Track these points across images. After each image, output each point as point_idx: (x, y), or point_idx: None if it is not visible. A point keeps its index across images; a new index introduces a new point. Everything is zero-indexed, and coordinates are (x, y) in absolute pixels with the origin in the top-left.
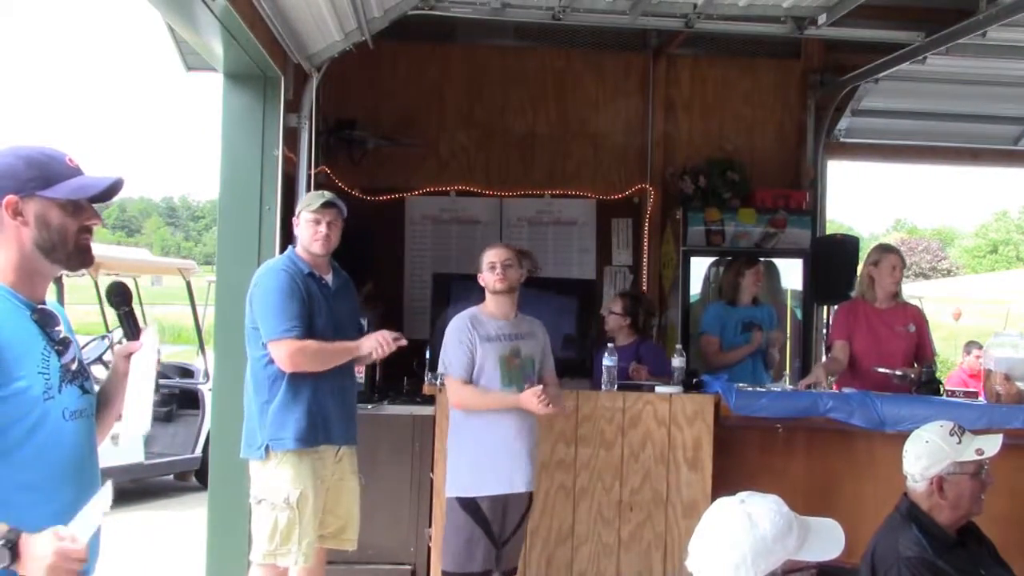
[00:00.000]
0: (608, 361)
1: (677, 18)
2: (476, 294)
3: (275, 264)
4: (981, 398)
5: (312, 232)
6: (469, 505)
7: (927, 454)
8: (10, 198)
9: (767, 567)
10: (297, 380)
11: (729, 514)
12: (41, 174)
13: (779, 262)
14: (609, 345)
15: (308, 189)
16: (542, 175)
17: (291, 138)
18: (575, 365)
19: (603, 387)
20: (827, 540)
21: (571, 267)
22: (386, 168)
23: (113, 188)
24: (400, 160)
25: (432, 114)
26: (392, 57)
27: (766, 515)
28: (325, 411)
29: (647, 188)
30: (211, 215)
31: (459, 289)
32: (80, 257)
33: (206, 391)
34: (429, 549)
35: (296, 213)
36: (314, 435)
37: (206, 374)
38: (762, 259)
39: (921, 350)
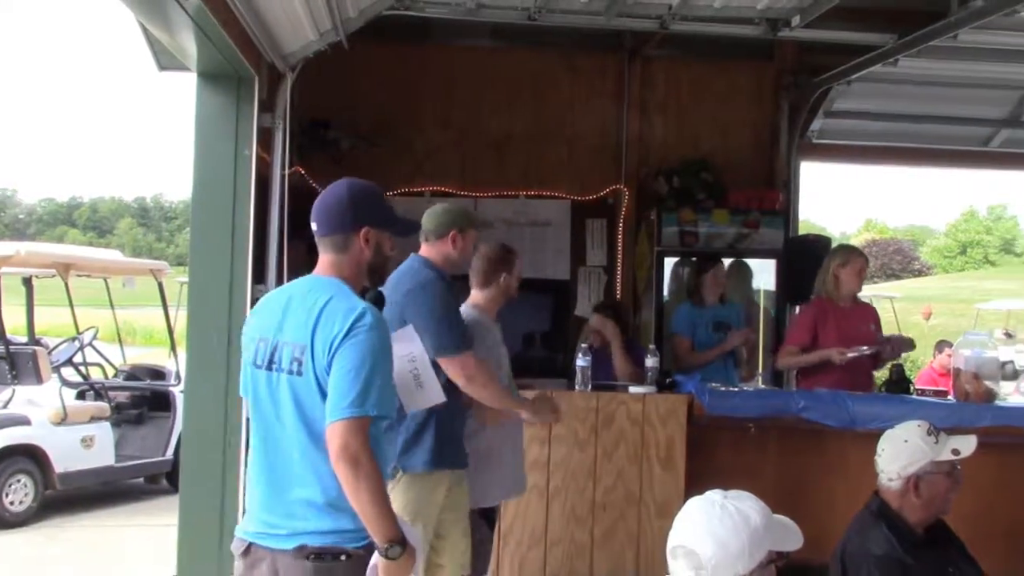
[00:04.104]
0: (581, 362)
1: (652, 19)
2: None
3: (432, 274)
4: (951, 397)
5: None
6: (488, 514)
7: (907, 453)
8: (367, 229)
9: (759, 556)
10: None
11: (720, 509)
12: (385, 209)
13: (752, 262)
14: (583, 346)
15: (282, 190)
16: (517, 176)
17: (265, 138)
18: (549, 365)
19: (577, 387)
20: (791, 533)
21: (546, 268)
22: (361, 169)
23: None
24: (375, 161)
25: (407, 115)
26: (367, 58)
27: (753, 508)
28: None
29: (622, 189)
30: (184, 216)
31: None
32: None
33: (177, 393)
34: None
35: (461, 227)
36: None
37: (177, 376)
38: (736, 259)
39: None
